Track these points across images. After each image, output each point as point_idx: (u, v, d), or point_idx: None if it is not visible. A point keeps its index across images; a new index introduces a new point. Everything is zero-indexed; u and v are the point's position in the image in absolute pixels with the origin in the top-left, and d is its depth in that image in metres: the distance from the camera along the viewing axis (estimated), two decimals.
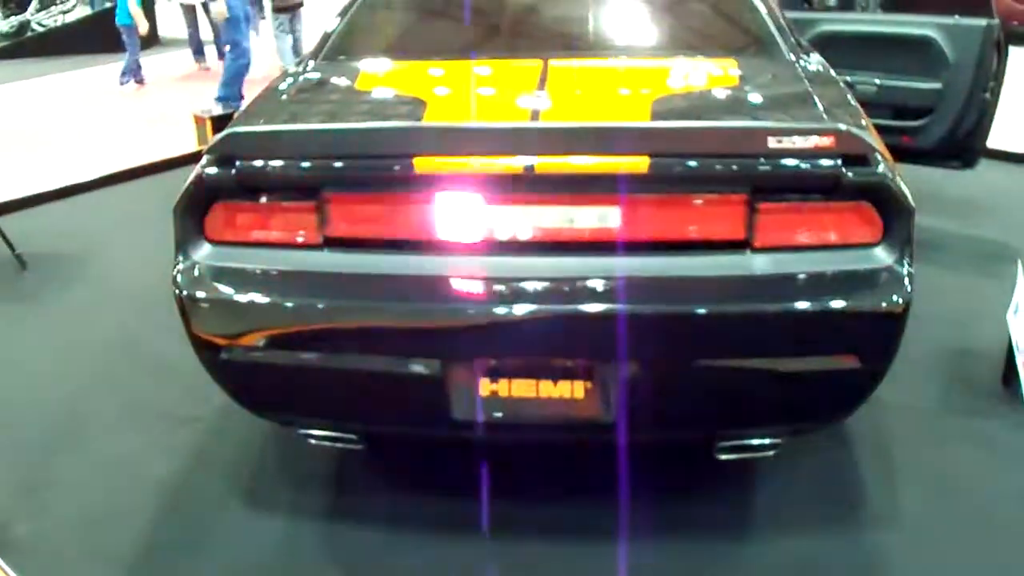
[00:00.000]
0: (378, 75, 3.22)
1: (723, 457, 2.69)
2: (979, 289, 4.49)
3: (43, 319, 4.56)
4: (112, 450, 3.37)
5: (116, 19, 10.29)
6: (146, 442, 3.41)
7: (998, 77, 4.76)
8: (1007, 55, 4.78)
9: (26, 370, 4.04)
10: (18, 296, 4.82)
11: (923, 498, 3.01)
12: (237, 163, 2.46)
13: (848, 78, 4.52)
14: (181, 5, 11.14)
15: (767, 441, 2.67)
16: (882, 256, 2.41)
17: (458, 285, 2.41)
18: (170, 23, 12.98)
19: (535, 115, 2.62)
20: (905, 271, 2.40)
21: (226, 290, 2.51)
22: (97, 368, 4.00)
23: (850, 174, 2.34)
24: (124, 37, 10.25)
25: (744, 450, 2.69)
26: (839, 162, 2.33)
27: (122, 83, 10.39)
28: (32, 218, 6.05)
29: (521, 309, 2.35)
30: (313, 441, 2.82)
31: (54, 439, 3.45)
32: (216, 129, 6.47)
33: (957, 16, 4.78)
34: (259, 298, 2.48)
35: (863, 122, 2.71)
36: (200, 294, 2.51)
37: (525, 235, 2.44)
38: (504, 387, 2.46)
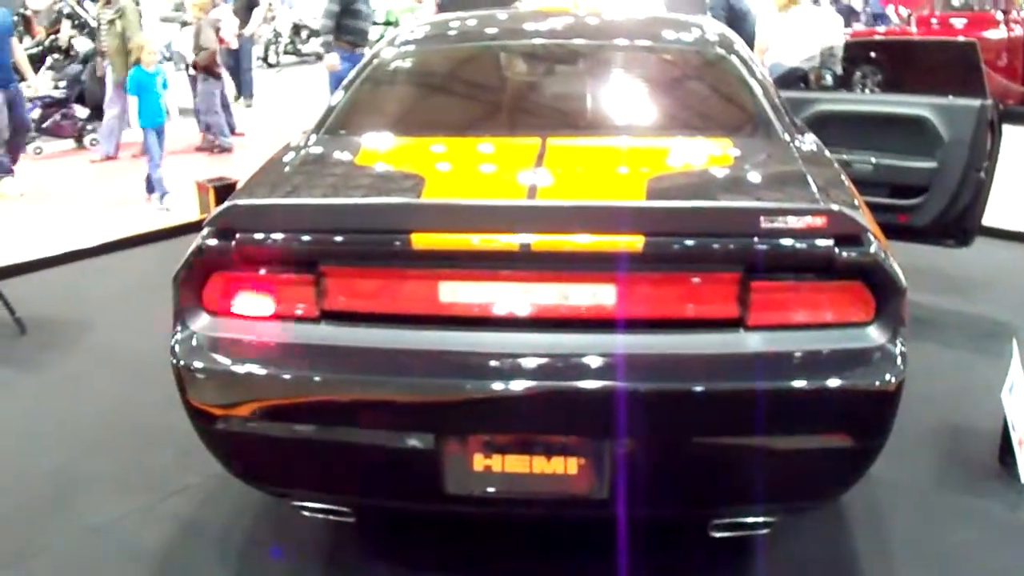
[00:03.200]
0: (378, 151, 3.27)
1: (717, 535, 2.67)
2: (975, 367, 4.49)
3: (40, 384, 4.56)
4: (101, 518, 3.35)
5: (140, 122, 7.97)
6: (136, 510, 3.39)
7: (992, 156, 4.81)
8: (1001, 134, 4.84)
9: (19, 434, 4.03)
10: (16, 360, 4.83)
11: None
12: (237, 235, 2.49)
13: (844, 157, 4.58)
14: (190, 77, 11.11)
15: (761, 519, 2.66)
16: (875, 335, 2.44)
17: (454, 360, 2.42)
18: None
19: (532, 193, 2.65)
20: (898, 350, 2.42)
21: (223, 361, 2.53)
22: (90, 434, 3.99)
23: (843, 254, 2.37)
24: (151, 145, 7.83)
25: (738, 528, 2.67)
26: (832, 242, 2.36)
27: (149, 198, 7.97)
28: (33, 282, 6.08)
29: (516, 385, 2.36)
30: (306, 513, 2.82)
31: (43, 506, 3.44)
32: (219, 197, 6.56)
33: (951, 96, 4.86)
34: (255, 369, 2.50)
35: (856, 202, 2.74)
36: (197, 364, 2.53)
37: (521, 312, 2.46)
38: (498, 462, 2.46)
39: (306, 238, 2.49)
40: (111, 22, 9.66)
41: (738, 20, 9.37)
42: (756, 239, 2.37)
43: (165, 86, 8.44)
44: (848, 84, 5.87)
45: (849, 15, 15.95)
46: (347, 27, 8.99)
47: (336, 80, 8.93)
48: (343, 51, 9.02)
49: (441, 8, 9.20)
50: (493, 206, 2.52)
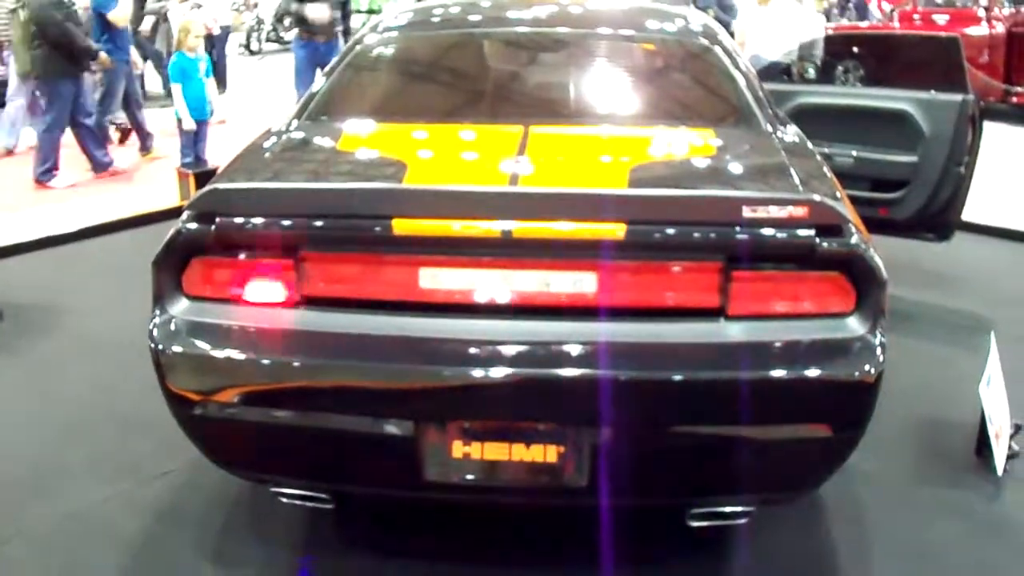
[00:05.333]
0: (360, 136, 3.25)
1: (695, 524, 2.68)
2: (953, 360, 4.52)
3: (17, 369, 4.52)
4: (79, 503, 3.33)
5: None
6: (114, 496, 3.37)
7: (972, 152, 4.83)
8: (981, 130, 4.86)
9: None
10: None
11: (898, 570, 3.00)
12: (217, 219, 2.48)
13: (826, 150, 4.59)
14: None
15: (739, 509, 2.67)
16: (855, 326, 2.44)
17: (433, 347, 2.41)
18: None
19: (514, 180, 2.64)
20: (878, 341, 2.43)
21: (202, 346, 2.51)
22: (69, 420, 3.96)
23: (824, 244, 2.37)
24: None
25: (716, 517, 2.68)
26: (813, 232, 2.36)
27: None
28: (8, 269, 6.03)
29: (496, 372, 2.36)
30: (285, 500, 2.80)
31: (20, 491, 3.41)
32: (199, 184, 6.51)
33: (933, 91, 4.87)
34: (235, 355, 2.48)
35: (838, 193, 2.74)
36: (176, 349, 2.51)
37: (501, 299, 2.46)
38: (477, 449, 2.46)
39: (286, 223, 2.47)
40: (13, 10, 8.54)
41: (725, 12, 9.42)
42: (738, 228, 2.37)
43: (209, 74, 7.95)
44: (831, 78, 5.87)
45: (864, 11, 16.01)
46: (303, 16, 9.11)
47: (298, 65, 9.22)
48: (300, 39, 9.20)
49: None
50: (474, 192, 2.51)
